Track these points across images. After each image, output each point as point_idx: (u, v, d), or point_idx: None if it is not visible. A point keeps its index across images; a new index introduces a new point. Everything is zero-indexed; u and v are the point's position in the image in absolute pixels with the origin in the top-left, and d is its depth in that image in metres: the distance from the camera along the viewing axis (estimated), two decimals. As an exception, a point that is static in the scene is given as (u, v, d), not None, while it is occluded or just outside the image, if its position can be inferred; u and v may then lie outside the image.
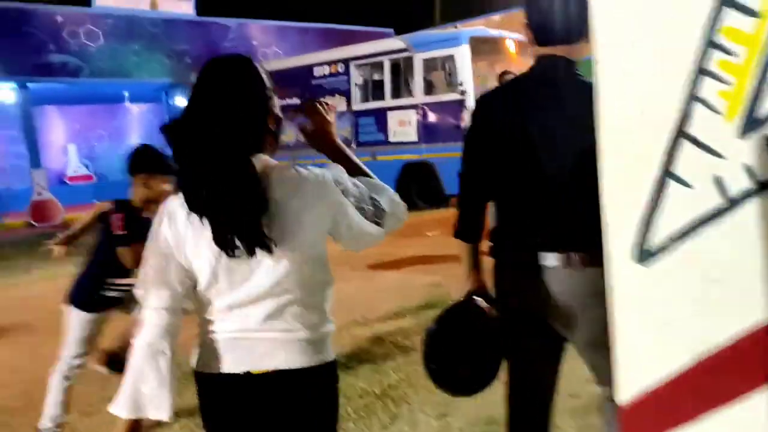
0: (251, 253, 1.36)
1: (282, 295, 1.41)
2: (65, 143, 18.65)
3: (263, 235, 1.35)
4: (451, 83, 10.80)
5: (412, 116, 11.27)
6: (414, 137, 11.28)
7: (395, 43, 11.79)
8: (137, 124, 19.99)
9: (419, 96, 11.18)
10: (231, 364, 1.43)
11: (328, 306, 1.50)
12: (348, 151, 1.61)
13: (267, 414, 1.46)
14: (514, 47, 11.78)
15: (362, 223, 1.44)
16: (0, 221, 10.98)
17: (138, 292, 1.50)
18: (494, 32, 11.87)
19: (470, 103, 10.58)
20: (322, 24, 20.34)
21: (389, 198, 1.51)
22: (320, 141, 1.61)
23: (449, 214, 10.05)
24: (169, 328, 1.45)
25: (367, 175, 1.55)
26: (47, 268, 7.94)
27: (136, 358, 1.43)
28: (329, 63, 12.44)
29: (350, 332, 4.28)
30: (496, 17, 18.94)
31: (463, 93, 10.58)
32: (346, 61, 12.13)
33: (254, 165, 1.39)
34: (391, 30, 21.06)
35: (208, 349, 1.46)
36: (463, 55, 10.62)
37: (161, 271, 1.45)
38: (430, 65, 11.12)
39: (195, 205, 1.39)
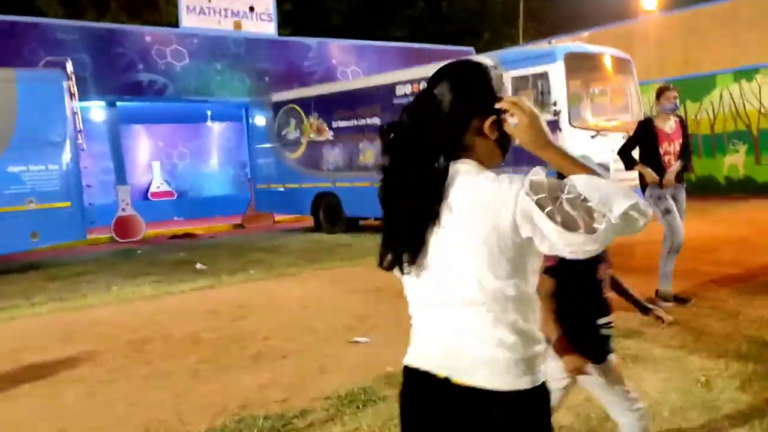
0: (391, 266, 1.45)
1: (470, 306, 1.38)
2: (149, 160, 19.05)
3: (408, 246, 1.40)
4: (544, 103, 10.11)
5: (500, 137, 10.62)
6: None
7: (483, 60, 11.20)
8: (217, 143, 20.25)
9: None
10: (432, 364, 1.44)
11: (532, 324, 1.41)
12: (562, 148, 1.44)
13: (461, 428, 1.42)
14: (611, 64, 11.01)
15: (560, 234, 1.27)
16: (84, 237, 11.02)
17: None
18: (593, 48, 11.10)
19: (564, 124, 9.88)
20: (402, 43, 20.10)
21: (609, 201, 1.27)
22: (529, 137, 1.42)
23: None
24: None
25: (592, 174, 1.36)
26: (126, 286, 7.84)
27: None
28: (411, 82, 11.99)
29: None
30: (584, 34, 18.14)
31: (556, 113, 9.87)
32: (429, 80, 11.65)
33: (445, 168, 1.39)
34: (471, 49, 20.58)
35: (414, 344, 1.50)
36: (557, 72, 9.92)
37: None
38: (520, 83, 10.44)
39: (380, 199, 1.47)
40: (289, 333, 5.13)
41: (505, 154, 1.50)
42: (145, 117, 17.65)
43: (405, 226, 1.40)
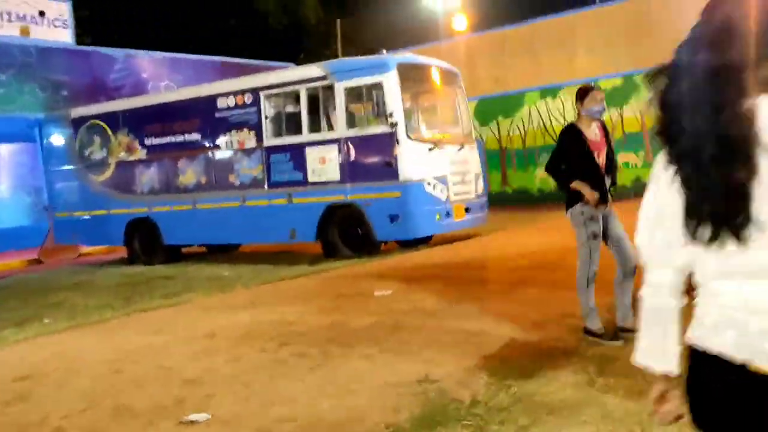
0: (714, 236, 1.13)
1: None
2: None
3: (740, 213, 1.10)
4: (380, 114, 9.63)
5: (335, 153, 9.92)
6: (337, 176, 9.91)
7: (313, 70, 10.46)
8: (6, 166, 17.36)
9: (342, 129, 9.88)
10: (729, 347, 1.16)
11: None
12: None
13: None
14: (441, 76, 10.86)
15: None
16: None
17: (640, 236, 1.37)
18: (424, 59, 10.93)
19: (402, 136, 9.43)
20: (219, 57, 18.89)
21: None
22: None
23: (388, 265, 8.75)
24: (670, 281, 1.33)
25: None
26: None
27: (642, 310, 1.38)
28: (235, 93, 10.90)
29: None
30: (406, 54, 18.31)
31: (393, 125, 9.42)
32: (255, 91, 10.65)
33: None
34: (292, 64, 19.92)
35: (702, 320, 1.23)
36: (392, 82, 9.49)
37: (659, 217, 1.30)
38: (354, 95, 9.89)
39: (672, 151, 1.22)
40: (93, 418, 3.75)
41: None
42: None
43: (724, 189, 1.12)
